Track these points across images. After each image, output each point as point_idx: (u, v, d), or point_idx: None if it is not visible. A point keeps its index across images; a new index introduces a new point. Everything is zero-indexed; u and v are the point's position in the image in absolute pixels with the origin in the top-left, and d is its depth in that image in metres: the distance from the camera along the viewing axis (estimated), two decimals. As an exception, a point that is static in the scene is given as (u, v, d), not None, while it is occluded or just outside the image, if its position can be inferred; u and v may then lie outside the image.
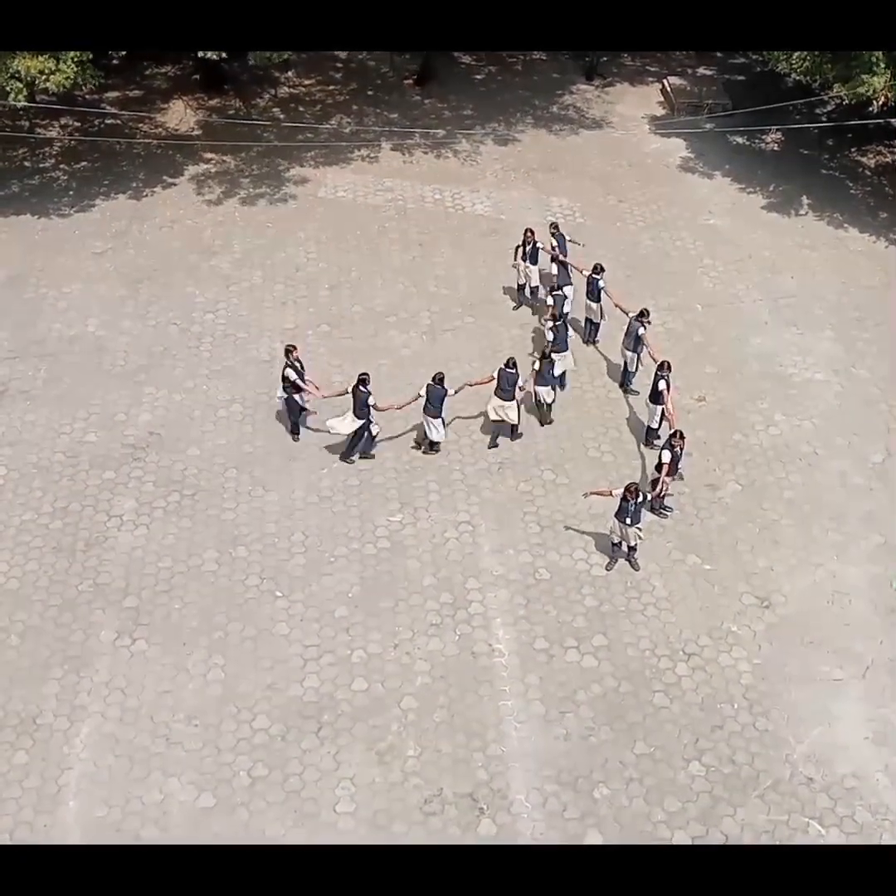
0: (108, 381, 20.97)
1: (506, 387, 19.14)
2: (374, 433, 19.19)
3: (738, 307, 23.42)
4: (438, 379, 18.94)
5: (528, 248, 22.31)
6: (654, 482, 18.28)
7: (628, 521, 17.18)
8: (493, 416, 19.49)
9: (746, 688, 16.17)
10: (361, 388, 18.62)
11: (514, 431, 19.87)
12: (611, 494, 17.40)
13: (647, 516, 17.91)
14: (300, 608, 17.05)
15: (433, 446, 19.57)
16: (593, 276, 21.34)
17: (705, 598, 17.41)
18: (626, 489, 17.01)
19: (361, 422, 18.81)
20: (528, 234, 22.34)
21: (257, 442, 19.79)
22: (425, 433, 19.42)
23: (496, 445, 19.76)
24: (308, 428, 19.77)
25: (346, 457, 19.32)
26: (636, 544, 17.62)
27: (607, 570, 17.76)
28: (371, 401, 18.64)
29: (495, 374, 19.22)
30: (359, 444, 19.27)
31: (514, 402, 19.32)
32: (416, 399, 19.05)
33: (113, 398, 20.58)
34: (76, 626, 16.66)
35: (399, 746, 15.30)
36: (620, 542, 17.61)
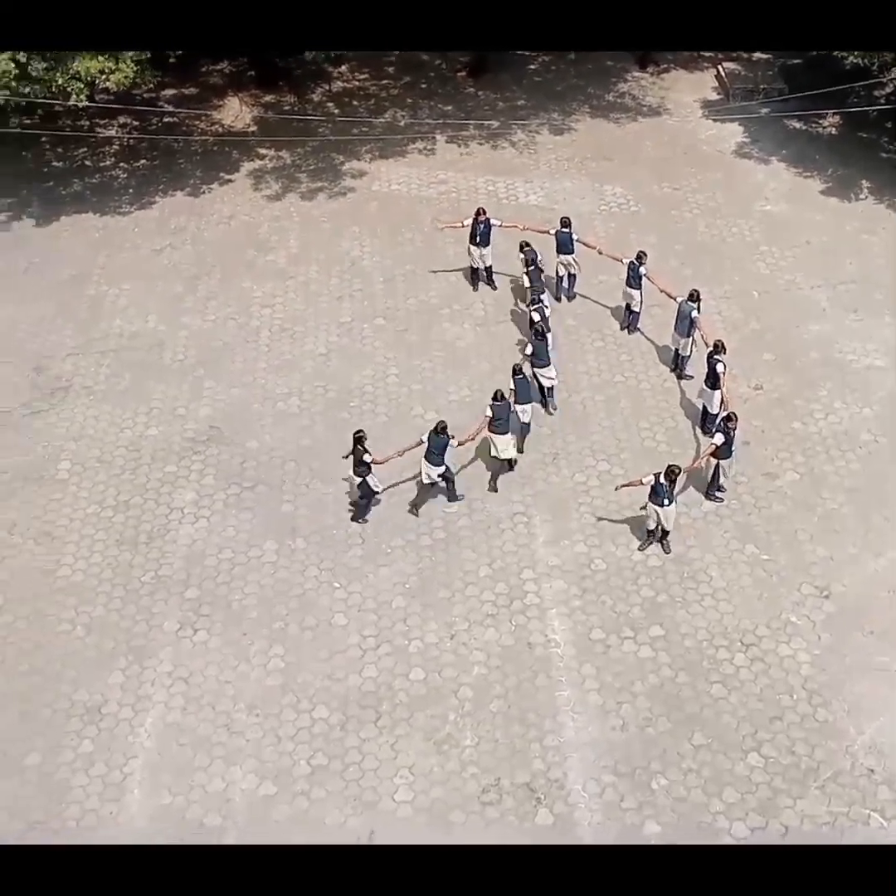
0: (169, 376, 21.31)
1: (500, 422, 18.36)
2: (372, 486, 18.05)
3: (796, 294, 23.15)
4: (440, 428, 17.78)
5: (480, 228, 22.25)
6: (714, 470, 18.25)
7: (664, 502, 17.17)
8: (502, 455, 18.70)
9: (805, 679, 16.04)
10: (359, 446, 17.65)
11: (511, 465, 19.04)
12: (641, 483, 17.39)
13: (706, 504, 17.83)
14: (358, 599, 17.23)
15: (418, 503, 18.52)
16: (635, 262, 21.22)
17: (763, 589, 17.30)
18: (661, 472, 17.02)
19: (359, 480, 17.87)
20: (480, 214, 22.25)
21: (315, 435, 20.00)
22: (418, 490, 18.47)
23: (496, 490, 18.83)
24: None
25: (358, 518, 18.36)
26: (669, 528, 17.61)
27: (640, 550, 17.78)
28: (367, 458, 17.66)
29: (488, 414, 18.28)
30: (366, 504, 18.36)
31: (510, 436, 18.61)
32: (417, 445, 18.03)
33: (173, 393, 20.92)
34: (139, 618, 17.00)
35: (456, 736, 15.42)
36: (656, 527, 17.59)
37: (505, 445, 18.61)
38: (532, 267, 21.41)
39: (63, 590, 17.38)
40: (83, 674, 16.22)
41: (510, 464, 19.06)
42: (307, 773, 15.04)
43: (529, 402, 19.30)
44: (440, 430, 17.80)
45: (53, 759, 15.15)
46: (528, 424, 19.51)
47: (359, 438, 17.71)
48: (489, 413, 18.32)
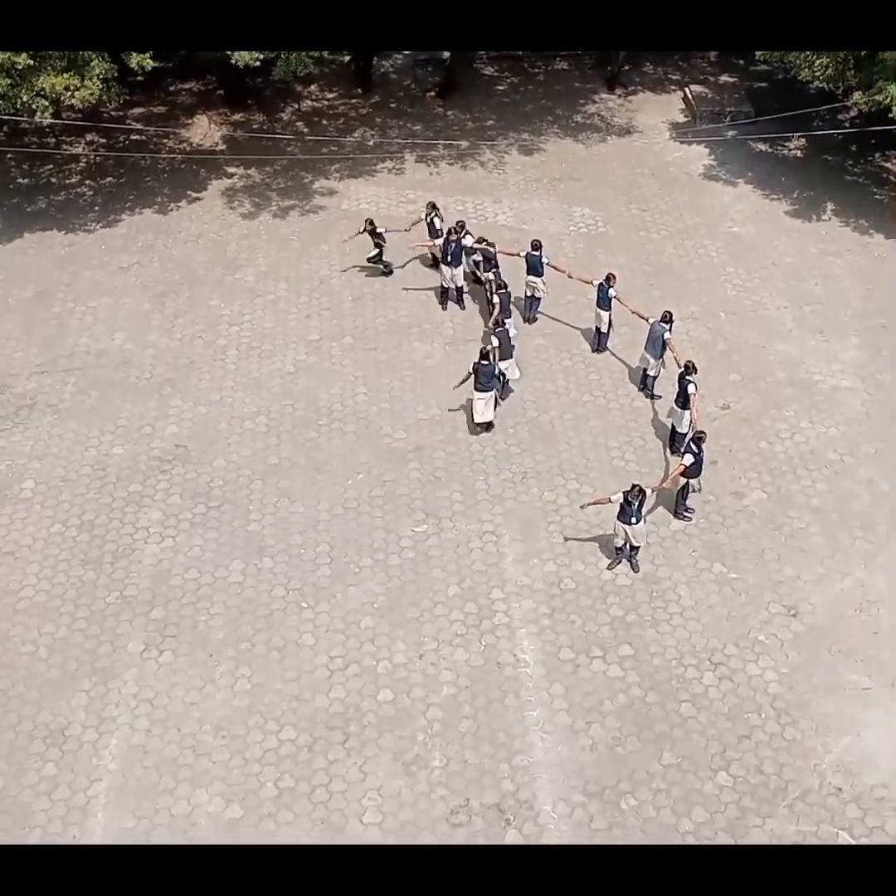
0: (135, 394, 21.14)
1: (483, 380, 19.72)
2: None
3: (763, 314, 23.34)
4: (483, 353, 19.71)
5: (451, 248, 22.49)
6: (682, 488, 18.31)
7: (632, 520, 17.20)
8: (478, 419, 20.06)
9: (774, 697, 16.08)
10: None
11: (489, 428, 20.34)
12: (609, 501, 17.41)
13: (674, 523, 17.87)
14: (326, 619, 17.11)
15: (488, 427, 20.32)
16: (604, 284, 21.31)
17: (732, 607, 17.34)
18: (628, 491, 17.03)
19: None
20: (451, 233, 22.55)
21: (283, 453, 19.89)
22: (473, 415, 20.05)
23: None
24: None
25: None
26: (639, 546, 17.65)
27: (609, 569, 17.82)
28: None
29: (471, 370, 19.73)
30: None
31: (491, 394, 19.90)
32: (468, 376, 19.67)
33: (139, 411, 20.74)
34: (104, 638, 16.78)
35: (425, 757, 15.31)
36: (624, 545, 17.60)
37: (482, 409, 19.85)
38: (502, 290, 21.47)
39: (26, 610, 17.14)
40: (46, 695, 15.98)
41: (487, 428, 20.20)
42: (274, 796, 14.88)
43: (512, 358, 20.58)
44: (483, 356, 19.72)
45: (16, 782, 14.91)
46: (507, 382, 20.72)
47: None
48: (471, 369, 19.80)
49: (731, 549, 18.25)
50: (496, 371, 19.94)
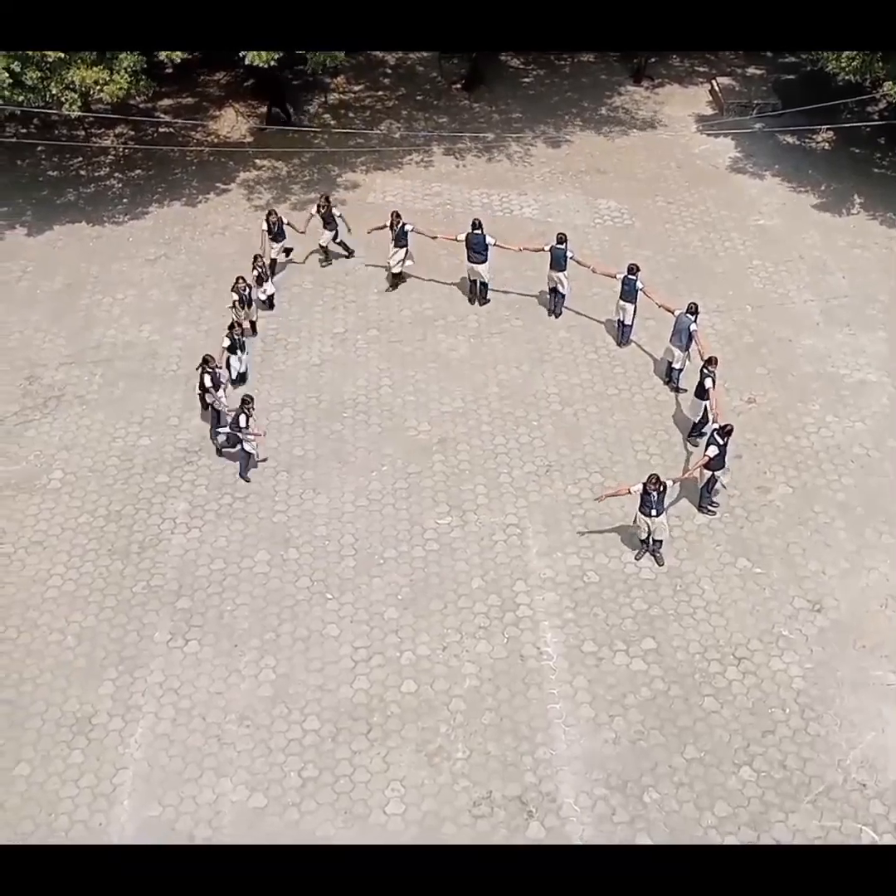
0: (162, 385, 21.29)
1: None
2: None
3: (789, 308, 23.22)
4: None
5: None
6: (707, 482, 18.27)
7: (653, 512, 17.16)
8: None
9: (797, 692, 16.05)
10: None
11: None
12: (628, 492, 17.38)
13: (699, 517, 17.84)
14: (350, 610, 17.20)
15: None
16: (629, 276, 21.25)
17: (756, 602, 17.30)
18: (647, 481, 17.00)
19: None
20: (475, 227, 22.58)
21: (308, 445, 19.98)
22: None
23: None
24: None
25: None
26: (661, 539, 17.61)
27: (635, 559, 17.81)
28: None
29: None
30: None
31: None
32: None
33: (166, 402, 20.89)
34: (130, 628, 16.94)
35: (448, 748, 15.38)
36: (648, 537, 17.58)
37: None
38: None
39: (54, 599, 17.32)
40: (73, 683, 16.16)
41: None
42: (298, 785, 14.99)
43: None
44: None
45: (43, 769, 15.10)
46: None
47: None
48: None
49: (756, 544, 18.20)
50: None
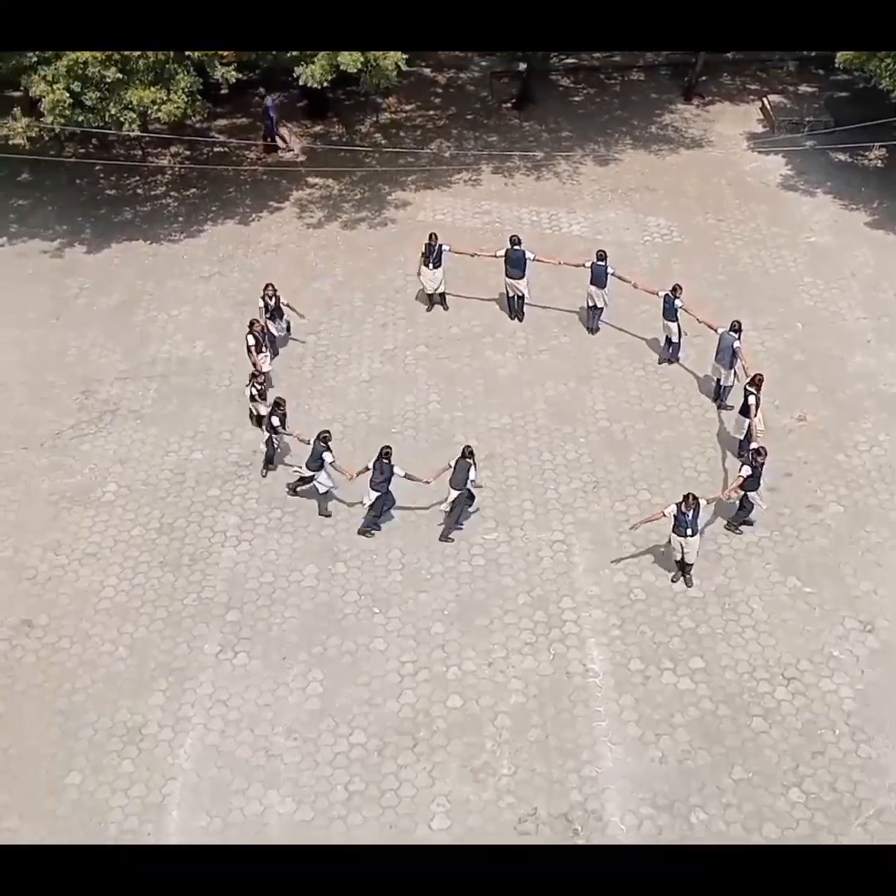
0: (214, 400, 21.58)
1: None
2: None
3: (840, 325, 23.04)
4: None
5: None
6: (742, 501, 18.16)
7: (688, 532, 17.06)
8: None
9: (848, 714, 15.86)
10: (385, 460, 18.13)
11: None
12: (663, 515, 17.31)
13: (747, 535, 17.71)
14: (397, 624, 17.29)
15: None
16: (670, 295, 21.23)
17: (806, 622, 17.14)
18: (682, 501, 16.93)
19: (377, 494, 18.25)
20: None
21: (356, 460, 20.10)
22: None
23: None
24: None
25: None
26: (691, 563, 17.51)
27: (672, 582, 17.70)
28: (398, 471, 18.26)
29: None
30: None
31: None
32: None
33: (219, 417, 21.17)
34: (181, 639, 17.16)
35: (493, 765, 15.39)
36: (681, 558, 17.48)
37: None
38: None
39: (107, 611, 17.60)
40: (124, 694, 16.39)
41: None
42: (344, 799, 15.07)
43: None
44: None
45: (94, 778, 15.31)
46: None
47: (386, 453, 18.17)
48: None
49: (806, 563, 18.04)
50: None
